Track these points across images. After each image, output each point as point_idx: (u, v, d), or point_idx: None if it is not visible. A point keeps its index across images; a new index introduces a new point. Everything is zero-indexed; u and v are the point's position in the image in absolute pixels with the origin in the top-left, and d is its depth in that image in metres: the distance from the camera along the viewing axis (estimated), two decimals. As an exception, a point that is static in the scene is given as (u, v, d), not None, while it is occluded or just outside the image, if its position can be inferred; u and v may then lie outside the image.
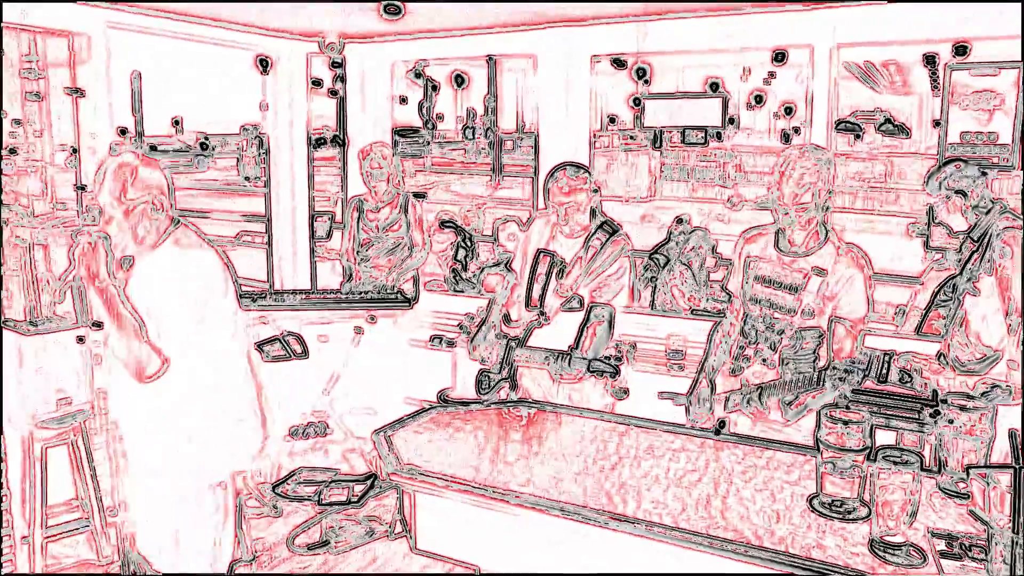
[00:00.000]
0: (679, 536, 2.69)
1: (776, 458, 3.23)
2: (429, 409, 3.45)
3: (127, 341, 3.07)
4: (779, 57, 4.74)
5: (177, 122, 5.40)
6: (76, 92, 4.98)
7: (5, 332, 3.79)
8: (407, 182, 5.62)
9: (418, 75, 5.53)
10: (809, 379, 3.45)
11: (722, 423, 3.54)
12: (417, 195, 5.36)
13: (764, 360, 3.65)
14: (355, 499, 4.13)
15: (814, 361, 3.51)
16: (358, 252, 5.08)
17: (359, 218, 5.09)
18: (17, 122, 4.82)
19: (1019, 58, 4.10)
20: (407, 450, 3.06)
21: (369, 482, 4.23)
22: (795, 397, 3.47)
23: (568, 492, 2.84)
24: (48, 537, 3.90)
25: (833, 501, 2.82)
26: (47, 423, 3.89)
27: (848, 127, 4.71)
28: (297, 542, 4.10)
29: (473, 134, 5.67)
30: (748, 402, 3.53)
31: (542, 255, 4.11)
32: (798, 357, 3.53)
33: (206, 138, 5.36)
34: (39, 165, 4.98)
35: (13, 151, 4.61)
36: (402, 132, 5.62)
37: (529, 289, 4.11)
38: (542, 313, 4.04)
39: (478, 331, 3.99)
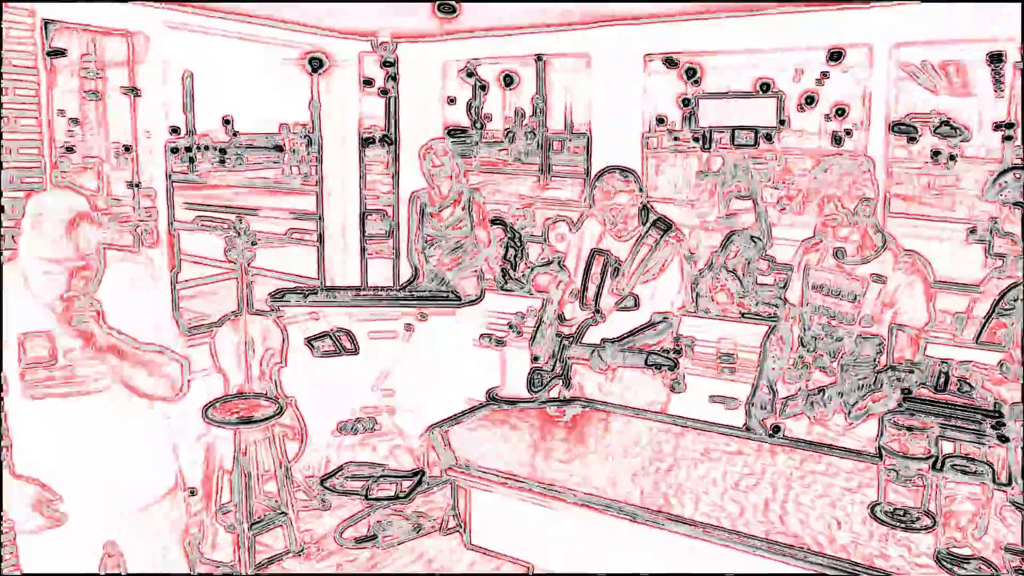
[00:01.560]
0: (737, 540, 2.65)
1: (835, 464, 3.17)
2: (483, 406, 3.44)
3: (143, 370, 3.06)
4: (834, 56, 4.65)
5: (228, 121, 5.46)
6: (132, 91, 5.04)
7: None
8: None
9: (470, 74, 5.52)
10: (871, 382, 3.38)
11: (776, 428, 3.49)
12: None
13: (823, 368, 3.59)
14: (403, 495, 4.13)
15: (875, 369, 3.45)
16: (423, 250, 5.05)
17: (422, 216, 5.06)
18: (75, 121, 4.89)
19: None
20: (461, 446, 3.05)
21: (417, 478, 4.23)
22: (858, 400, 3.40)
23: (625, 492, 2.80)
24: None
25: (896, 510, 2.76)
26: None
27: (903, 129, 4.62)
28: (344, 535, 4.11)
29: (513, 137, 5.65)
30: (812, 405, 3.47)
31: (596, 254, 4.08)
32: (858, 364, 3.47)
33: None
34: (95, 162, 5.06)
35: (70, 149, 4.66)
36: (452, 132, 5.62)
37: (584, 288, 4.08)
38: (597, 311, 4.02)
39: (536, 330, 3.98)
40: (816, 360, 3.64)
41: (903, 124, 4.62)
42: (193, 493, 4.25)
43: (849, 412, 3.42)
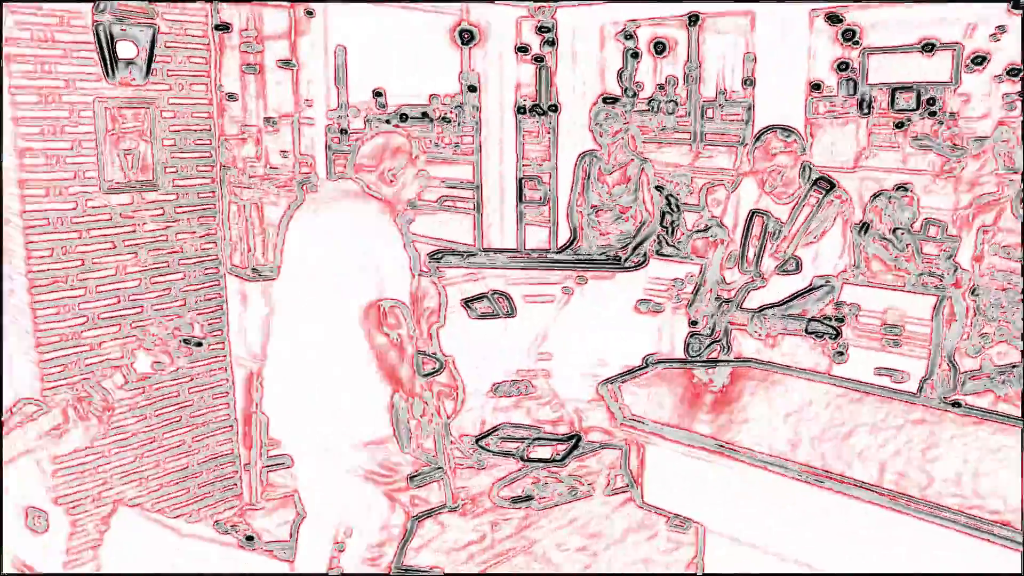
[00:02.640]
0: (927, 511, 2.49)
1: (1030, 436, 2.95)
2: (650, 366, 3.37)
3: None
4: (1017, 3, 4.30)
5: (379, 93, 5.55)
6: (289, 64, 5.19)
7: (230, 278, 3.99)
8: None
9: (628, 36, 5.43)
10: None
11: (957, 403, 3.28)
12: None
13: (1006, 338, 3.36)
14: (558, 458, 4.12)
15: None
16: (588, 215, 4.98)
17: (587, 178, 4.98)
18: (231, 96, 5.08)
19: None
20: (632, 403, 2.99)
21: (572, 442, 4.21)
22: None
23: (805, 455, 2.69)
24: (267, 466, 4.12)
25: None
26: (266, 361, 4.08)
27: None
28: (500, 495, 4.13)
29: (657, 107, 5.53)
30: (1003, 383, 3.26)
31: (756, 216, 3.94)
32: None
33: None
34: (253, 132, 5.24)
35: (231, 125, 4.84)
36: (606, 100, 5.54)
37: (743, 251, 3.95)
38: (758, 275, 3.88)
39: (695, 295, 3.88)
40: (999, 331, 3.41)
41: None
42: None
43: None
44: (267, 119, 5.13)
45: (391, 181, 3.10)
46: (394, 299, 2.93)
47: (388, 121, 5.45)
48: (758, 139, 3.88)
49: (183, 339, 2.62)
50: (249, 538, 3.53)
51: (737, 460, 2.59)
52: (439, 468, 4.01)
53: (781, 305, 3.74)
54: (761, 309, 3.74)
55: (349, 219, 2.94)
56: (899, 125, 4.83)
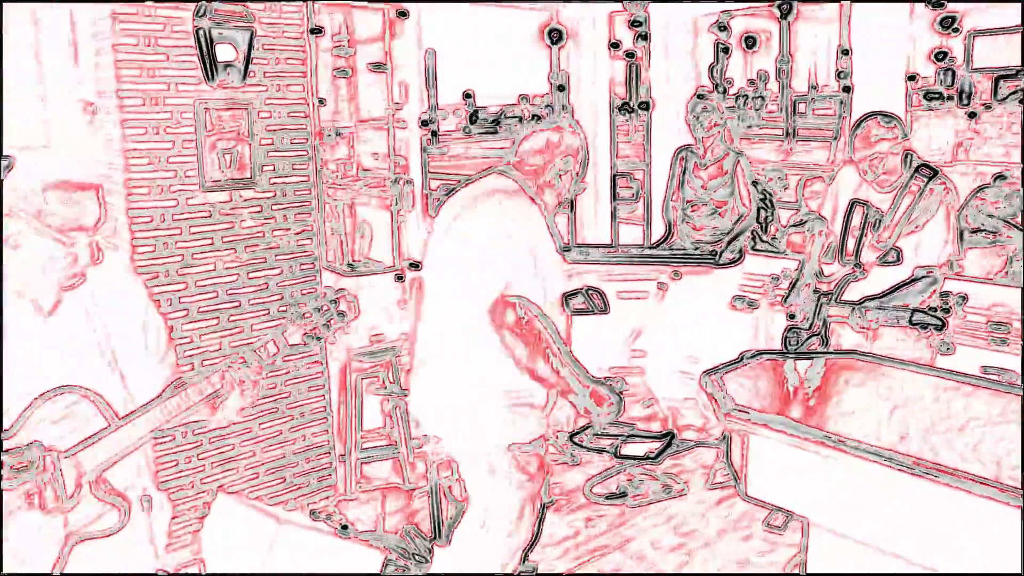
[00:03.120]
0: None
1: None
2: (753, 356, 3.27)
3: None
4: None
5: (468, 95, 5.57)
6: (380, 67, 5.26)
7: (325, 274, 4.05)
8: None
9: (722, 28, 5.34)
10: None
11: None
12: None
13: None
14: (652, 456, 4.04)
15: None
16: (683, 209, 4.90)
17: (683, 173, 4.90)
18: (321, 101, 5.17)
19: None
20: (737, 394, 2.91)
21: (666, 440, 4.13)
22: None
23: (916, 448, 2.57)
24: (361, 459, 4.16)
25: None
26: (361, 356, 4.13)
27: None
28: (595, 491, 4.08)
29: (744, 103, 5.41)
30: None
31: (856, 205, 3.80)
32: None
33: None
34: (347, 133, 5.33)
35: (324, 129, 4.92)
36: (703, 94, 5.46)
37: (842, 242, 3.82)
38: (858, 266, 3.74)
39: (791, 289, 3.76)
40: None
41: None
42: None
43: None
44: (360, 120, 5.21)
45: (552, 183, 2.97)
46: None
47: (536, 118, 5.46)
48: (858, 126, 3.75)
49: (309, 334, 2.66)
50: (344, 527, 3.56)
51: (844, 451, 2.48)
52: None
53: (882, 297, 3.59)
54: (862, 301, 3.60)
55: (507, 215, 2.82)
56: (972, 116, 4.63)
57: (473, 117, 5.60)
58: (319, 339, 2.70)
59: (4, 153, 3.02)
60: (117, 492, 2.36)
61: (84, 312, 2.38)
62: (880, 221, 3.75)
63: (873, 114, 3.78)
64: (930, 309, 3.56)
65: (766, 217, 4.72)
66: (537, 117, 5.59)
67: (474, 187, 2.94)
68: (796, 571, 3.51)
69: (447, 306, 2.90)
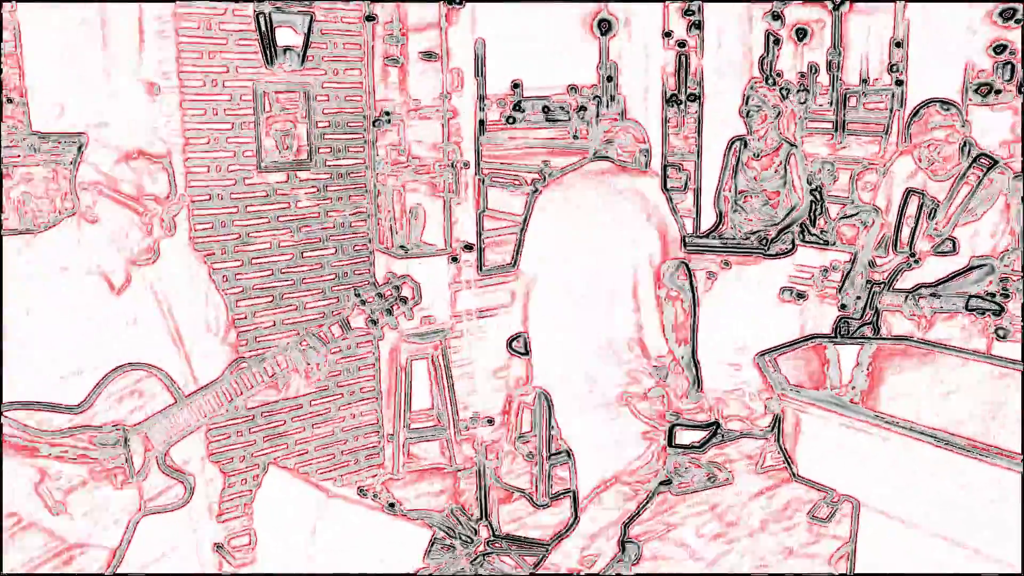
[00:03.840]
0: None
1: None
2: (805, 339, 3.27)
3: None
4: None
5: (517, 85, 5.60)
6: (431, 56, 5.31)
7: (378, 256, 4.11)
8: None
9: (776, 17, 5.31)
10: None
11: None
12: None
13: None
14: (697, 445, 4.05)
15: None
16: (735, 200, 4.89)
17: (736, 163, 4.90)
18: (372, 87, 5.23)
19: None
20: (790, 375, 2.92)
21: (711, 430, 4.13)
22: None
23: (973, 432, 2.56)
24: (409, 439, 4.22)
25: None
26: (412, 337, 4.18)
27: None
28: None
29: (787, 95, 5.36)
30: None
31: (911, 194, 3.78)
32: None
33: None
34: (397, 120, 5.38)
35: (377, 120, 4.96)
36: (755, 85, 5.44)
37: (896, 231, 3.80)
38: (912, 255, 3.72)
39: (845, 278, 3.75)
40: None
41: None
42: (491, 422, 4.43)
43: None
44: (410, 110, 5.27)
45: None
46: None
47: (583, 108, 5.47)
48: (916, 113, 3.73)
49: (371, 319, 2.72)
50: (391, 505, 3.62)
51: (898, 432, 2.48)
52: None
53: (937, 286, 3.57)
54: (916, 288, 3.58)
55: (622, 189, 3.01)
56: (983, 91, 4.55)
57: (519, 106, 5.61)
58: (378, 324, 2.75)
59: (78, 132, 3.14)
60: (180, 468, 2.42)
61: (150, 289, 2.44)
62: (935, 210, 3.72)
63: (932, 101, 3.75)
64: (987, 295, 3.52)
65: (814, 210, 4.69)
66: (583, 108, 5.60)
67: (572, 176, 3.12)
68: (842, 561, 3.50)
69: (561, 290, 3.03)
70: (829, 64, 5.35)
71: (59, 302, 2.29)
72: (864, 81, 5.29)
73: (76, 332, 2.31)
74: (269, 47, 3.71)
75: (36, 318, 2.28)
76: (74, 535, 2.28)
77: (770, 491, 4.09)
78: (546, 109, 5.63)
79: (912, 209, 3.76)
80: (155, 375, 2.33)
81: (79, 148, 2.91)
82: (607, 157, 3.14)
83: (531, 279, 3.12)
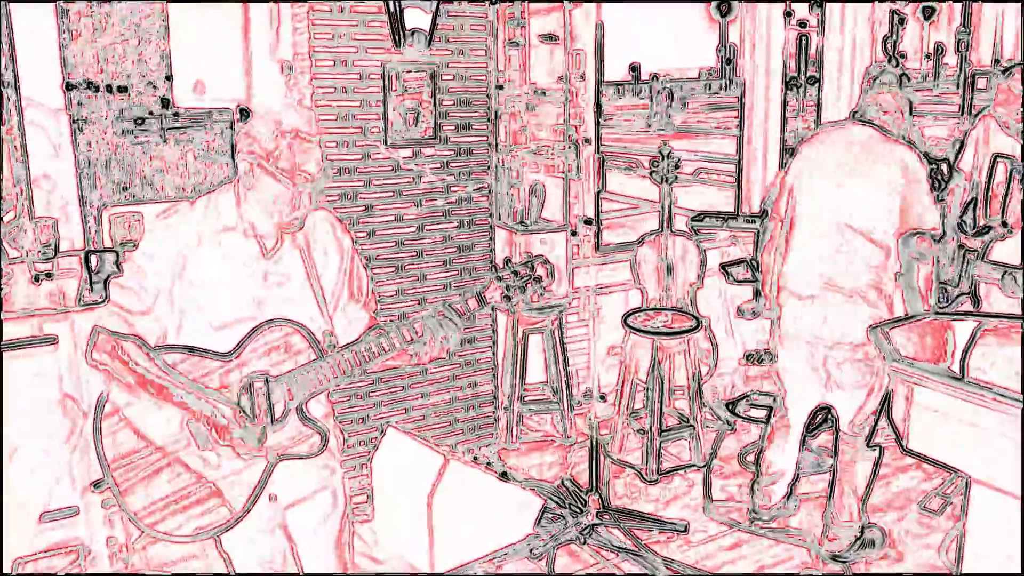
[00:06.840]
0: None
1: None
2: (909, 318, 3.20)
3: None
4: None
5: (635, 68, 5.59)
6: (552, 39, 5.36)
7: (498, 231, 4.22)
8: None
9: (903, -8, 5.17)
10: None
11: None
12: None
13: None
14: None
15: None
16: None
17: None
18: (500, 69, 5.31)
19: None
20: (903, 347, 2.88)
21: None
22: None
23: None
24: (523, 411, 4.34)
25: None
26: (530, 310, 4.28)
27: None
28: (748, 459, 4.10)
29: (905, 80, 5.20)
30: None
31: (999, 160, 3.64)
32: None
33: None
34: (513, 107, 5.47)
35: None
36: (879, 69, 5.30)
37: (987, 197, 3.66)
38: (1004, 224, 3.58)
39: (936, 242, 3.64)
40: None
41: None
42: (603, 399, 4.50)
43: None
44: (534, 91, 5.34)
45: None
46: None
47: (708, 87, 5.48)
48: (1006, 71, 3.59)
49: (505, 295, 2.82)
50: (504, 474, 3.72)
51: (1013, 405, 2.42)
52: (690, 426, 4.04)
53: None
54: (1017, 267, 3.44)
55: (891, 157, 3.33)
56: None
57: (640, 89, 5.62)
58: (512, 300, 2.85)
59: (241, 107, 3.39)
60: (317, 419, 2.57)
61: (299, 255, 2.60)
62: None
63: (1019, 64, 3.61)
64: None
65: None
66: (709, 86, 5.57)
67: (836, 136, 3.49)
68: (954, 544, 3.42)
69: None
70: (958, 43, 5.18)
71: (219, 259, 2.48)
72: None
73: (231, 287, 2.49)
74: (398, 29, 3.84)
75: (201, 271, 2.47)
76: (216, 473, 2.46)
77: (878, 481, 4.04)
78: (670, 93, 5.62)
79: (1001, 176, 3.62)
80: (300, 332, 2.48)
81: (242, 117, 3.13)
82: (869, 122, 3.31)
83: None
